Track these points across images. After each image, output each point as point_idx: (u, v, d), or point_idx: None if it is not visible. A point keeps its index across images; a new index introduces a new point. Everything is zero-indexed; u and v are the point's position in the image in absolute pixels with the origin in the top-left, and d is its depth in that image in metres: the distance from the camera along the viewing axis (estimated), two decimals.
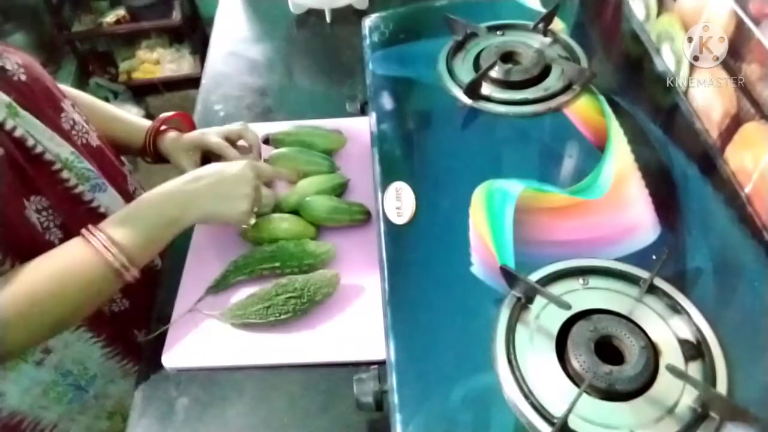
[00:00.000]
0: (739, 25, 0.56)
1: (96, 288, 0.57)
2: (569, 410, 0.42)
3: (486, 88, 0.69)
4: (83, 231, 0.57)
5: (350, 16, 1.10)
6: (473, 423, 0.46)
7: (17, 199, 0.57)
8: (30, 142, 0.58)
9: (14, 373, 0.62)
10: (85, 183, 0.64)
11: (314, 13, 1.12)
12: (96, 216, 0.66)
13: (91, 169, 0.65)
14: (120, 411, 0.75)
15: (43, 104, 0.63)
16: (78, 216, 0.63)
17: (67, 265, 0.56)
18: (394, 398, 0.46)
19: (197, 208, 0.62)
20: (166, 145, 0.80)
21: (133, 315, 0.73)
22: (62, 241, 0.60)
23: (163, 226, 0.61)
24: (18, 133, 0.57)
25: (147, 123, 0.81)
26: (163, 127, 0.80)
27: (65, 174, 0.62)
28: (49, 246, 0.58)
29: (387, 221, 0.58)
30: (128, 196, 0.75)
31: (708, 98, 0.62)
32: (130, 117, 0.84)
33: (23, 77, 0.61)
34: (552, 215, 0.57)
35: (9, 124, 0.57)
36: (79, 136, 0.67)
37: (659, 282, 0.50)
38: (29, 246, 0.57)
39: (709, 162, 0.60)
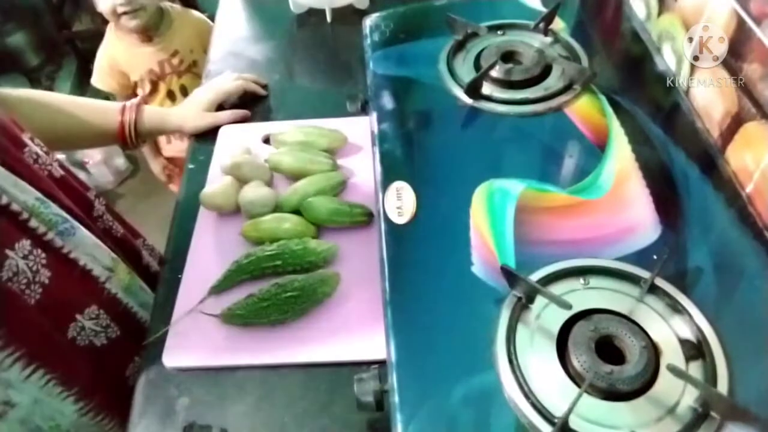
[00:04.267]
0: (740, 24, 0.56)
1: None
2: (570, 410, 0.42)
3: (487, 88, 0.69)
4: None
5: (351, 16, 1.10)
6: (474, 423, 0.46)
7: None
8: None
9: None
10: (53, 229, 0.62)
11: (315, 13, 1.12)
12: (66, 261, 0.63)
13: (58, 214, 0.62)
14: None
15: (5, 142, 0.61)
16: (51, 260, 0.60)
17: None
18: (395, 398, 0.46)
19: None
20: (158, 113, 0.90)
21: (114, 353, 0.69)
22: (45, 289, 0.59)
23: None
24: None
25: (116, 104, 0.85)
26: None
27: (33, 222, 0.59)
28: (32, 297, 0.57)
29: (388, 221, 0.58)
30: (95, 228, 0.71)
31: (709, 98, 0.62)
32: (100, 101, 0.86)
33: None
34: (553, 215, 0.57)
35: None
36: (42, 168, 0.65)
37: (660, 282, 0.50)
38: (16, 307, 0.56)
39: (709, 162, 0.60)
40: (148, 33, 1.33)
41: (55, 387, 0.62)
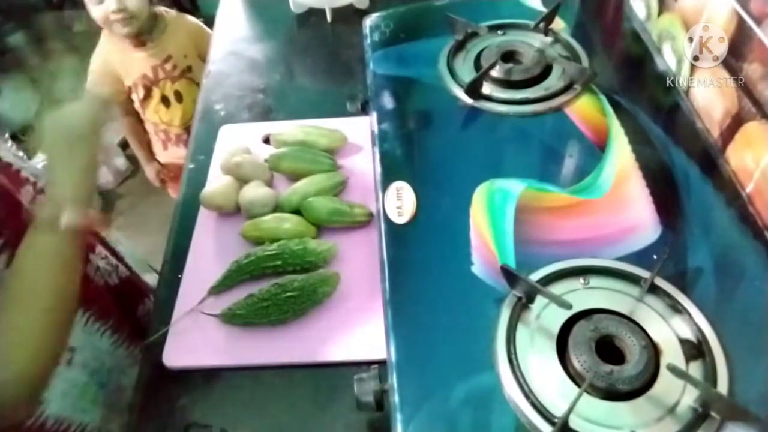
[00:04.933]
0: (740, 24, 0.56)
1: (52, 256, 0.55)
2: (570, 410, 0.42)
3: (487, 88, 0.69)
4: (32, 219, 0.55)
5: (351, 16, 1.10)
6: (474, 422, 0.46)
7: None
8: None
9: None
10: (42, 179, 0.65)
11: (315, 13, 1.12)
12: None
13: (36, 166, 0.66)
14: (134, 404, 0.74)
15: None
16: None
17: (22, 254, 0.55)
18: (395, 398, 0.46)
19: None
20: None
21: (127, 293, 0.77)
22: None
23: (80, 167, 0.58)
24: None
25: None
26: None
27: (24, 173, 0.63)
28: None
29: (388, 221, 0.58)
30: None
31: (709, 98, 0.62)
32: None
33: None
34: (553, 215, 0.57)
35: None
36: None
37: (660, 282, 0.50)
38: None
39: (710, 161, 0.60)
40: (141, 38, 1.33)
41: (95, 323, 0.69)
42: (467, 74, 0.71)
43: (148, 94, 1.40)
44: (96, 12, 1.27)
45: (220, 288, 0.68)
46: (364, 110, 0.79)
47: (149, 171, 1.60)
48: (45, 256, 0.54)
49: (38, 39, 2.13)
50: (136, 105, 1.44)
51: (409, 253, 0.57)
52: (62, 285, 0.56)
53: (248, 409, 0.60)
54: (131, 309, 0.80)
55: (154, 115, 1.43)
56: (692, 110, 0.65)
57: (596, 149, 0.62)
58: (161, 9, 1.38)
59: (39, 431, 0.62)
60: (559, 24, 0.77)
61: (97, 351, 0.69)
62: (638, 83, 0.72)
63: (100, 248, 0.77)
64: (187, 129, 1.46)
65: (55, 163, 0.57)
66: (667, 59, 0.70)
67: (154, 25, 1.35)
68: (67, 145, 0.57)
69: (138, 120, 1.50)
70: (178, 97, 1.41)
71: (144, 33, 1.33)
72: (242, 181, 0.77)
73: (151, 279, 0.91)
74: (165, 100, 1.41)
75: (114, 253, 0.81)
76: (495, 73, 0.69)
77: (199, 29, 1.43)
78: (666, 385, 0.44)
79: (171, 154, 1.53)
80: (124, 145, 2.12)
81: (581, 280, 0.51)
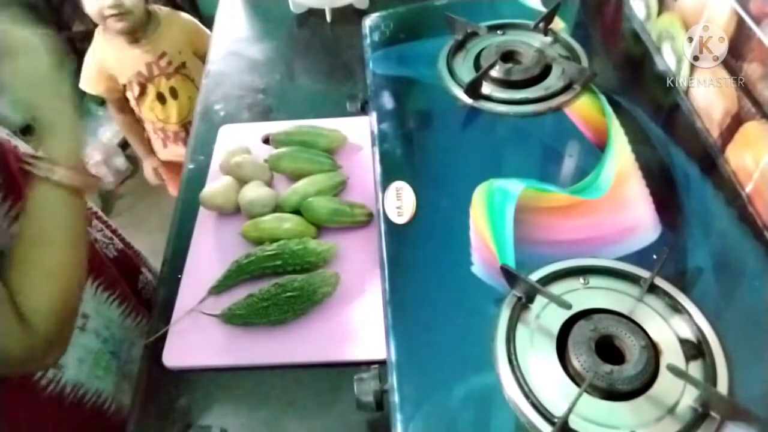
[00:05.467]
0: (740, 24, 0.56)
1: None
2: (570, 410, 0.42)
3: (486, 88, 0.69)
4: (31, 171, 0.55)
5: (351, 16, 1.10)
6: (474, 422, 0.46)
7: None
8: None
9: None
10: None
11: (314, 13, 1.12)
12: None
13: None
14: None
15: None
16: None
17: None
18: (395, 398, 0.46)
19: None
20: None
21: (125, 265, 0.79)
22: None
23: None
24: None
25: None
26: None
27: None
28: None
29: (387, 221, 0.58)
30: None
31: (709, 97, 0.62)
32: None
33: None
34: (552, 215, 0.57)
35: None
36: None
37: (660, 281, 0.50)
38: None
39: (709, 161, 0.60)
40: (135, 35, 1.33)
41: (104, 292, 0.72)
42: (467, 74, 0.71)
43: (143, 92, 1.40)
44: (91, 7, 1.27)
45: (220, 288, 0.68)
46: (364, 110, 0.79)
47: (147, 167, 1.60)
48: (54, 202, 0.55)
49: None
50: (132, 103, 1.44)
51: (409, 253, 0.57)
52: (74, 226, 0.57)
53: (248, 409, 0.60)
54: (132, 280, 0.83)
55: (150, 113, 1.43)
56: (692, 110, 0.65)
57: (596, 149, 0.62)
58: (154, 6, 1.38)
59: (58, 397, 0.64)
60: (558, 24, 0.77)
61: (108, 320, 0.72)
62: (638, 83, 0.72)
63: (95, 221, 0.79)
64: (184, 126, 1.46)
65: (40, 117, 0.56)
66: (667, 59, 0.70)
67: (148, 21, 1.35)
68: (43, 96, 0.56)
69: (134, 116, 1.50)
70: (174, 93, 1.41)
71: (138, 30, 1.33)
72: (242, 181, 0.77)
73: (144, 250, 0.95)
74: (160, 97, 1.41)
75: (108, 225, 0.83)
76: (495, 73, 0.69)
77: (192, 25, 1.43)
78: (666, 385, 0.44)
79: (170, 152, 1.53)
80: (124, 145, 2.12)
81: (581, 280, 0.51)
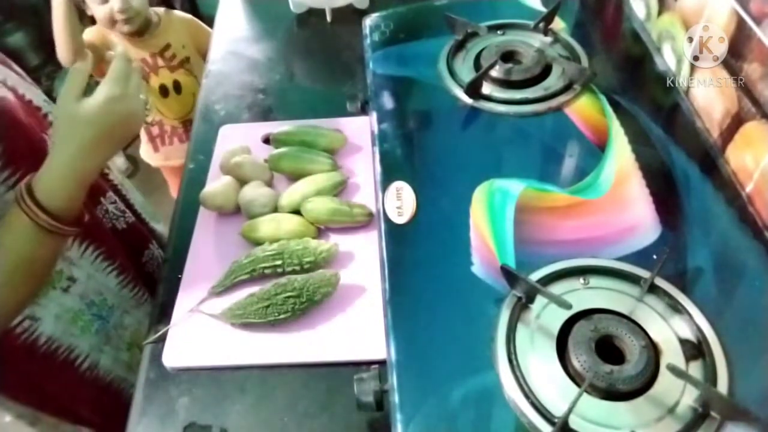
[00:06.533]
0: (740, 24, 0.56)
1: (30, 247, 0.57)
2: (570, 410, 0.42)
3: (486, 88, 0.69)
4: (17, 197, 0.56)
5: (351, 16, 1.10)
6: (474, 422, 0.46)
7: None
8: (20, 90, 0.67)
9: (45, 299, 0.66)
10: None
11: (315, 13, 1.12)
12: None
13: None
14: (136, 343, 0.79)
15: None
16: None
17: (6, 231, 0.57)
18: (395, 398, 0.46)
19: (110, 151, 0.61)
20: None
21: (133, 238, 0.82)
22: None
23: (82, 180, 0.59)
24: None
25: None
26: None
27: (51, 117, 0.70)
28: None
29: (388, 221, 0.58)
30: None
31: (709, 98, 0.62)
32: None
33: None
34: (553, 215, 0.57)
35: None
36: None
37: (660, 281, 0.50)
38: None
39: (709, 161, 0.60)
40: (139, 34, 1.34)
41: (103, 261, 0.74)
42: (467, 74, 0.71)
43: (145, 82, 1.40)
44: (100, 12, 1.27)
45: (220, 288, 0.68)
46: (364, 110, 0.79)
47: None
48: (25, 237, 0.56)
49: (38, 39, 2.13)
50: None
51: (409, 253, 0.57)
52: (34, 266, 0.58)
53: (248, 409, 0.60)
54: (137, 254, 0.86)
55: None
56: (692, 110, 0.65)
57: (596, 149, 0.62)
58: (152, 9, 1.39)
59: (31, 347, 0.67)
60: (558, 24, 0.77)
61: (102, 287, 0.74)
62: (638, 83, 0.72)
63: (110, 193, 0.81)
64: (184, 124, 1.46)
65: (59, 141, 0.57)
66: (667, 59, 0.70)
67: (149, 23, 1.36)
68: (76, 132, 0.57)
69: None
70: (177, 87, 1.41)
71: (142, 30, 1.34)
72: (242, 181, 0.77)
73: (159, 227, 0.97)
74: (163, 90, 1.41)
75: (124, 199, 0.86)
76: (495, 73, 0.69)
77: (192, 21, 1.45)
78: (666, 385, 0.44)
79: (163, 155, 1.53)
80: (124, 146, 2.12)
81: (581, 280, 0.51)
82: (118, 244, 0.78)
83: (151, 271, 0.88)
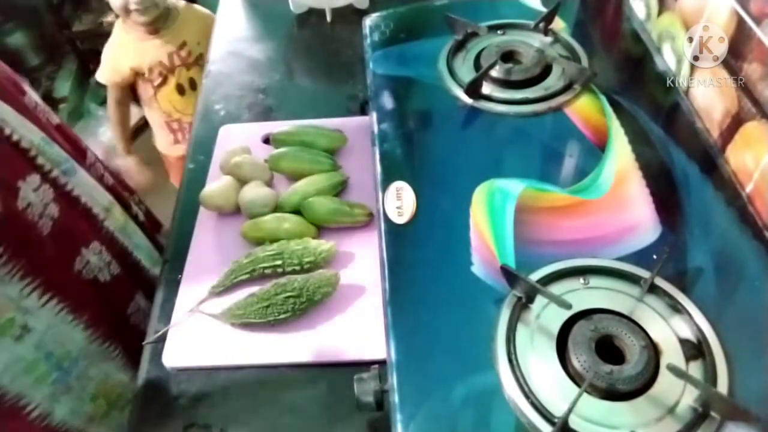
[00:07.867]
0: (740, 24, 0.56)
1: None
2: (570, 410, 0.42)
3: (486, 88, 0.69)
4: None
5: (351, 16, 1.10)
6: (474, 422, 0.46)
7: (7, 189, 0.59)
8: (7, 131, 0.61)
9: None
10: (57, 167, 0.67)
11: (315, 13, 1.12)
12: (70, 198, 0.69)
13: (60, 154, 0.68)
14: (102, 394, 0.75)
15: (8, 86, 0.66)
16: (57, 196, 0.66)
17: None
18: (395, 398, 0.46)
19: None
20: None
21: (116, 290, 0.76)
22: (54, 222, 0.64)
23: None
24: None
25: None
26: None
27: (40, 160, 0.64)
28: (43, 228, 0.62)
29: (387, 221, 0.58)
30: (90, 173, 0.78)
31: (709, 98, 0.62)
32: None
33: None
34: (553, 215, 0.57)
35: None
36: (43, 114, 0.70)
37: (660, 281, 0.50)
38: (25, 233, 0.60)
39: (709, 161, 0.60)
40: (155, 26, 1.35)
41: (67, 315, 0.69)
42: (467, 74, 0.71)
43: (163, 82, 1.41)
44: (116, 1, 1.28)
45: (220, 288, 0.68)
46: (363, 110, 0.79)
47: (121, 161, 1.57)
48: None
49: (38, 39, 2.13)
50: (149, 94, 1.44)
51: (409, 253, 0.57)
52: None
53: (248, 409, 0.60)
54: (120, 307, 0.81)
55: (167, 104, 1.44)
56: (692, 110, 0.65)
57: (596, 149, 0.62)
58: (171, 1, 1.40)
59: None
60: (558, 24, 0.77)
61: (65, 338, 0.69)
62: (638, 83, 0.72)
63: (95, 243, 0.76)
64: None
65: None
66: (667, 59, 0.70)
67: (168, 14, 1.37)
68: None
69: (128, 110, 1.51)
70: (193, 84, 1.42)
71: (159, 22, 1.35)
72: (242, 181, 0.77)
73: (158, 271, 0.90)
74: (180, 88, 1.42)
75: (115, 247, 0.80)
76: (495, 73, 0.69)
77: (210, 18, 1.45)
78: (666, 385, 0.44)
79: (182, 147, 1.53)
80: None
81: (581, 280, 0.51)
82: (94, 298, 0.74)
83: (137, 323, 0.82)
